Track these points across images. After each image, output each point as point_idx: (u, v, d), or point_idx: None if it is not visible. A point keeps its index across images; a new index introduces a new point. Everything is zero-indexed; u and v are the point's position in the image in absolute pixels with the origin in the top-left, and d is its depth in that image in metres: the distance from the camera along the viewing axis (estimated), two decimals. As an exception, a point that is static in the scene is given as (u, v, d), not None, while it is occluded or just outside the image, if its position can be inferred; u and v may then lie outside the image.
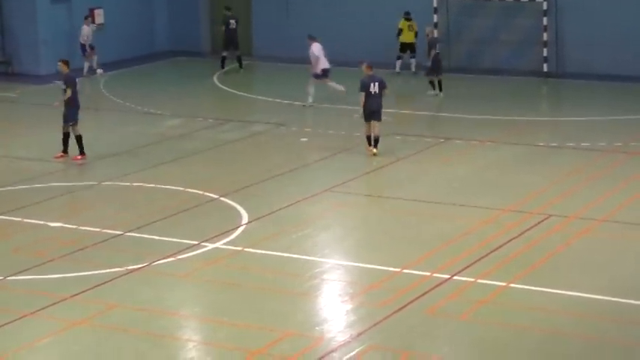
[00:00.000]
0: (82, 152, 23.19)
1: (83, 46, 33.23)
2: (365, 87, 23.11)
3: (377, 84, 23.13)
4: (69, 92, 23.00)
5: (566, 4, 32.24)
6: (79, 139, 23.13)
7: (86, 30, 33.18)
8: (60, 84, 23.81)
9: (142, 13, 36.89)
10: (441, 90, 29.63)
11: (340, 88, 28.27)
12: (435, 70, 29.70)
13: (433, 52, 29.68)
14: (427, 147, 23.85)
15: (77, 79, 23.67)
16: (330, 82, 28.49)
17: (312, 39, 28.89)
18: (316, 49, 28.53)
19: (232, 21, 33.88)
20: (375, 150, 23.10)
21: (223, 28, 33.94)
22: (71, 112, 23.11)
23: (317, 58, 28.43)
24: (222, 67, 33.97)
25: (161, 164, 22.94)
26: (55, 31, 34.05)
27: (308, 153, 23.47)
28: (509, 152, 23.40)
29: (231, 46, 33.87)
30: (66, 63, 23.39)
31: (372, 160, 22.85)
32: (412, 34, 32.75)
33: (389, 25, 32.93)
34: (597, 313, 14.50)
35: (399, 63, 32.89)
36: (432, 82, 29.79)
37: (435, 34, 31.00)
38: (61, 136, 23.19)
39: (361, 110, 23.29)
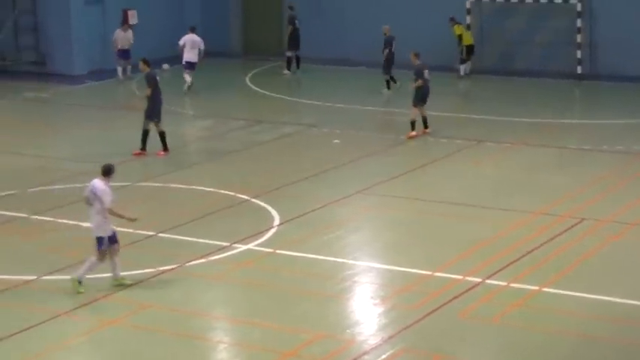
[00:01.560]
0: (165, 148, 23.53)
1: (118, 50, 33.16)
2: (420, 74, 24.72)
3: (428, 71, 24.85)
4: (148, 91, 23.34)
5: (600, 6, 32.08)
6: (162, 135, 23.54)
7: (118, 35, 33.03)
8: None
9: (174, 14, 36.97)
10: (389, 88, 30.17)
11: (187, 86, 30.39)
12: (387, 68, 30.05)
13: (387, 51, 29.88)
14: (459, 149, 23.78)
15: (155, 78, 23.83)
16: (188, 76, 30.36)
17: (191, 30, 30.79)
18: (184, 39, 30.40)
19: (297, 21, 33.73)
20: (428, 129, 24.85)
21: (291, 27, 33.60)
22: (151, 109, 23.39)
23: (182, 49, 30.28)
24: (289, 69, 33.62)
25: (193, 165, 23.00)
26: (88, 32, 34.20)
27: (340, 154, 23.44)
28: (542, 155, 23.30)
29: (296, 46, 33.53)
30: (146, 62, 23.70)
31: (403, 163, 22.83)
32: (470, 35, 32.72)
33: (422, 27, 32.79)
34: (630, 318, 14.41)
35: (463, 67, 32.59)
36: (388, 81, 30.13)
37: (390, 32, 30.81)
38: (140, 134, 23.56)
39: (414, 95, 24.73)
